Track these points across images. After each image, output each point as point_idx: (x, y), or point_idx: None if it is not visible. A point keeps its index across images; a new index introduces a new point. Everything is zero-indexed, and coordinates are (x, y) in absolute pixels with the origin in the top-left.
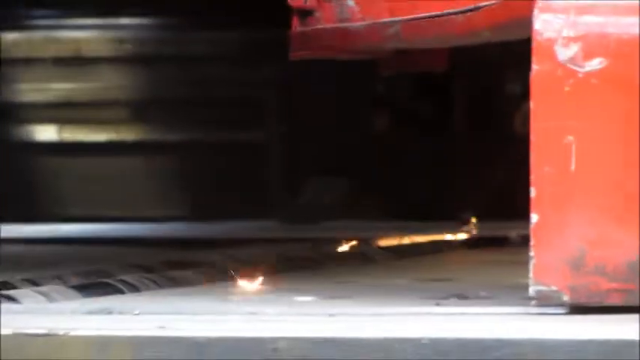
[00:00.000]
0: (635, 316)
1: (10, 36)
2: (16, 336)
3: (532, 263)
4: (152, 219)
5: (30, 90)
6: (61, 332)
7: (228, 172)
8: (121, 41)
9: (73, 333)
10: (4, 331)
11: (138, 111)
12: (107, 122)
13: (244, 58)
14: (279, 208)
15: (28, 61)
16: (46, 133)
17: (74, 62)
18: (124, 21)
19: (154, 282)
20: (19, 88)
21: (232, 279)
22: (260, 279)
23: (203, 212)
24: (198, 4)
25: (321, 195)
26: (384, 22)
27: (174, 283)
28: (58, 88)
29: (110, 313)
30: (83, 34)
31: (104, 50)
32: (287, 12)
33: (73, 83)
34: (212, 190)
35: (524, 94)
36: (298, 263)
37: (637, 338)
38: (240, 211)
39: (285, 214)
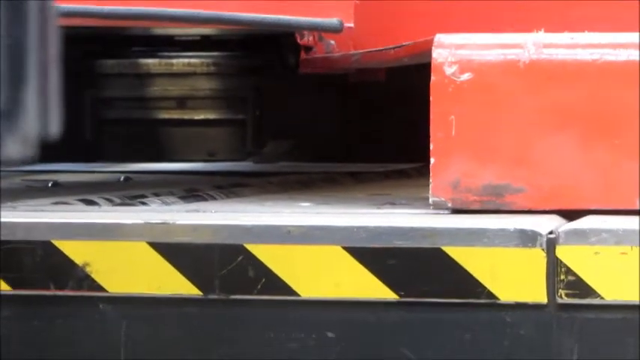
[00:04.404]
0: (486, 215)
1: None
2: (145, 224)
3: (431, 186)
4: (205, 160)
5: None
6: (170, 222)
7: (228, 135)
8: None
9: (177, 222)
10: (138, 221)
11: (183, 102)
12: (170, 107)
13: (240, 74)
14: (252, 155)
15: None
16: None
17: (170, 73)
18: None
19: (225, 195)
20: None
21: (267, 192)
22: (280, 192)
23: (219, 157)
24: (221, 46)
25: (276, 149)
26: (351, 54)
27: (236, 195)
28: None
29: (198, 211)
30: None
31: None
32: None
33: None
34: (221, 145)
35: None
36: (300, 184)
37: (485, 227)
38: (235, 157)
39: (255, 159)
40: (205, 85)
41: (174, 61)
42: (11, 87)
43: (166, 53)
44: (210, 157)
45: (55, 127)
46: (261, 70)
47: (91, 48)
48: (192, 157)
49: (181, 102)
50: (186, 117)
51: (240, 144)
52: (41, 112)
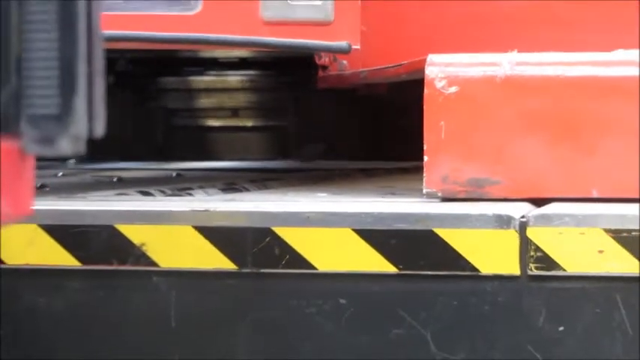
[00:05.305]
0: (469, 203)
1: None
2: (191, 211)
3: (424, 179)
4: (249, 159)
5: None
6: (211, 209)
7: (273, 138)
8: (228, 80)
9: (217, 209)
10: (185, 209)
11: (235, 111)
12: (223, 117)
13: (281, 88)
14: (294, 155)
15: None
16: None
17: (219, 89)
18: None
19: (257, 187)
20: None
21: (292, 185)
22: (303, 185)
23: (265, 156)
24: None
25: (313, 150)
26: (359, 71)
27: (266, 187)
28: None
29: (234, 200)
30: (230, 78)
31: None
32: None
33: (220, 94)
34: (267, 147)
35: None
36: (319, 178)
37: (469, 212)
38: (277, 156)
39: (296, 158)
40: (254, 99)
41: (231, 78)
42: (64, 95)
43: (224, 72)
44: (258, 157)
45: (99, 129)
46: (299, 86)
47: (158, 68)
48: (242, 156)
49: (235, 112)
50: (239, 124)
51: (283, 146)
52: (88, 116)
